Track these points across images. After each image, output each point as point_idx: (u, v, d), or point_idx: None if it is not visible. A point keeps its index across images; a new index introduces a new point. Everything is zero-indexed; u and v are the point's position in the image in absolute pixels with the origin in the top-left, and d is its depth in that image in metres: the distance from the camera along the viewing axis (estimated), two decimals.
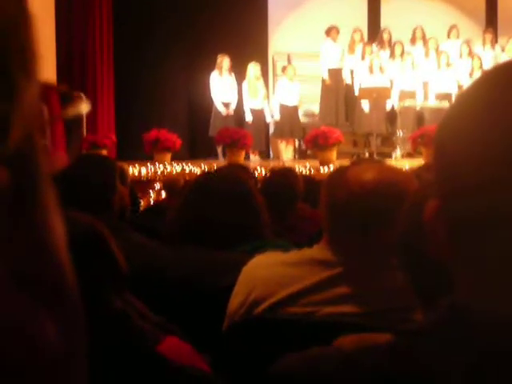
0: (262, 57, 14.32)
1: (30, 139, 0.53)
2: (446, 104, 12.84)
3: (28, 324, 0.53)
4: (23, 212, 0.54)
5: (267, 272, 2.13)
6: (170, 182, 7.37)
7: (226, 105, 13.31)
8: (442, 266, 0.84)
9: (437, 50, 13.67)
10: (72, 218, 1.63)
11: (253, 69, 13.38)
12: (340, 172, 2.12)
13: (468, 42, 13.89)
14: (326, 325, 1.84)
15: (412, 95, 13.34)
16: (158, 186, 10.56)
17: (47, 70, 12.37)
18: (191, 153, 13.75)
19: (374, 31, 14.63)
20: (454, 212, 0.79)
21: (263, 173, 9.65)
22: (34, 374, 0.53)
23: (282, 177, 5.00)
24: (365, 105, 13.29)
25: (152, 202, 9.29)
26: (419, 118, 13.35)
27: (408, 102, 13.18)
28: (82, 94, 11.56)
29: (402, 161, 12.08)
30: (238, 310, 2.14)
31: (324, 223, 2.12)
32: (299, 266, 2.08)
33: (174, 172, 11.41)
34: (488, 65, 13.03)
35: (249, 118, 13.35)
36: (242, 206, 2.81)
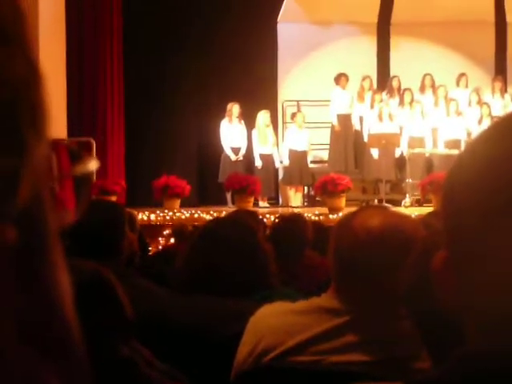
0: (271, 104, 14.40)
1: (38, 196, 0.53)
2: (455, 151, 12.86)
3: (32, 379, 0.52)
4: (30, 268, 0.54)
5: (276, 321, 2.12)
6: (178, 228, 7.39)
7: (236, 150, 13.36)
8: (450, 316, 0.84)
9: (446, 97, 13.71)
10: (77, 266, 1.63)
11: (262, 117, 13.45)
12: (346, 219, 2.12)
13: (477, 91, 13.95)
14: (334, 373, 1.83)
15: (421, 142, 13.36)
16: (167, 231, 10.57)
17: (58, 116, 12.46)
18: (200, 199, 13.77)
19: (384, 79, 14.71)
20: (462, 258, 0.79)
21: (272, 219, 9.66)
22: None
23: (291, 223, 4.98)
24: (374, 151, 13.32)
25: (161, 248, 9.29)
26: (428, 164, 13.36)
27: (417, 149, 13.20)
28: (93, 148, 11.64)
29: (411, 208, 12.06)
30: (246, 359, 2.12)
31: (331, 271, 2.12)
32: (307, 315, 2.07)
33: (184, 218, 11.43)
34: (497, 113, 13.07)
35: (258, 163, 13.38)
36: (250, 256, 2.80)
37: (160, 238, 10.42)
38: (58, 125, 12.41)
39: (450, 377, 0.81)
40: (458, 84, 14.15)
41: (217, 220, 3.02)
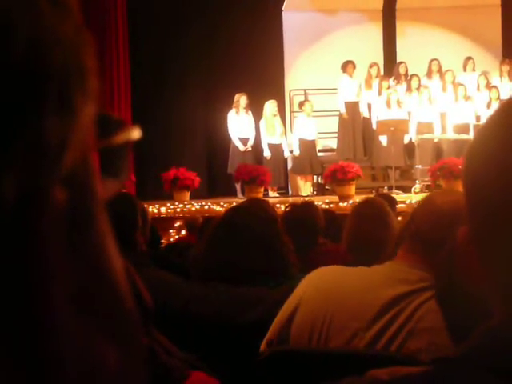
0: (278, 94, 14.39)
1: (85, 161, 0.53)
2: (464, 136, 12.84)
3: (90, 350, 0.52)
4: (80, 234, 0.54)
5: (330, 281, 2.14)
6: (191, 220, 7.40)
7: (244, 141, 13.35)
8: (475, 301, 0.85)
9: (453, 82, 13.68)
10: None
11: (269, 106, 13.44)
12: (424, 199, 2.17)
13: (485, 74, 13.91)
14: (359, 357, 1.83)
15: (430, 127, 13.33)
16: (178, 224, 10.58)
17: None
18: (210, 190, 13.78)
19: (390, 65, 14.68)
20: (484, 231, 0.81)
21: (282, 209, 9.63)
22: None
23: (303, 211, 4.96)
24: (383, 138, 13.29)
25: (172, 240, 9.31)
26: (438, 150, 13.32)
27: (426, 135, 13.17)
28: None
29: (421, 194, 12.05)
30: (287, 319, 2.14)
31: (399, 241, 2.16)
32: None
33: (194, 210, 11.44)
34: (506, 96, 13.02)
35: (267, 153, 13.37)
36: (270, 246, 2.80)
37: (171, 231, 10.43)
38: None
39: (477, 351, 0.82)
40: (464, 68, 14.11)
41: (235, 209, 3.01)
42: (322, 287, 2.12)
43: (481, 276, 0.83)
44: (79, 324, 0.52)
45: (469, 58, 14.16)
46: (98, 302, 0.54)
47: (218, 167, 13.88)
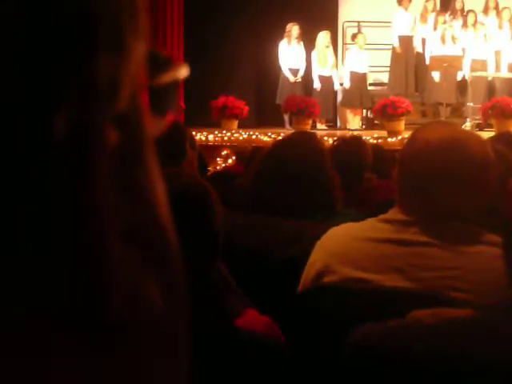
0: (331, 25, 14.20)
1: (135, 99, 0.54)
2: None
3: (134, 280, 0.54)
4: (129, 171, 0.55)
5: (344, 244, 2.12)
6: (240, 149, 7.40)
7: (294, 72, 13.25)
8: None
9: (510, 20, 13.38)
10: (186, 177, 1.63)
11: (323, 37, 13.28)
12: (413, 133, 2.13)
13: None
14: (397, 295, 1.83)
15: (483, 65, 13.10)
16: (225, 152, 10.60)
17: None
18: (258, 120, 13.76)
19: (447, 0, 14.37)
20: None
21: (330, 142, 9.58)
22: (136, 333, 0.54)
23: (351, 145, 4.94)
24: (435, 74, 13.10)
25: (219, 168, 9.34)
26: (490, 88, 13.11)
27: (479, 73, 12.95)
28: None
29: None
30: (312, 279, 2.13)
31: (396, 185, 2.12)
32: (376, 242, 2.06)
33: (241, 139, 11.44)
34: None
35: (317, 84, 13.26)
36: (315, 179, 2.79)
37: (218, 159, 10.45)
38: None
39: None
40: None
41: (283, 141, 3.00)
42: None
43: None
44: (126, 254, 0.53)
45: None
46: (145, 237, 0.56)
47: (266, 97, 13.80)
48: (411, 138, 2.07)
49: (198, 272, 1.69)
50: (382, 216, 2.11)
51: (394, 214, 2.08)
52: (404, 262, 1.96)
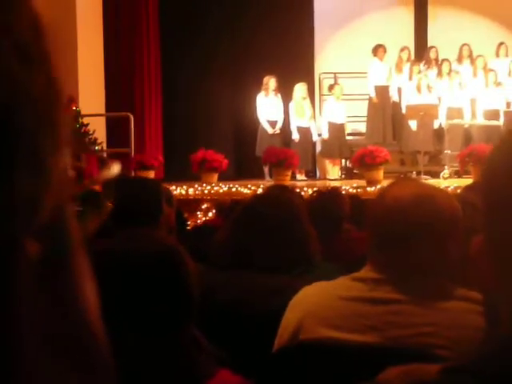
0: (308, 76, 14.35)
1: (60, 210, 0.54)
2: (494, 122, 12.73)
3: None
4: (55, 280, 0.55)
5: (318, 304, 2.11)
6: (219, 203, 7.42)
7: (273, 124, 13.34)
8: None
9: (485, 68, 13.55)
10: (156, 239, 1.63)
11: (299, 89, 13.39)
12: (381, 191, 2.14)
13: None
14: (373, 352, 1.83)
15: (460, 112, 13.24)
16: (205, 205, 10.61)
17: (96, 92, 12.53)
18: (238, 173, 13.81)
19: (421, 49, 14.57)
20: (498, 240, 0.81)
21: (309, 193, 9.64)
22: None
23: (328, 198, 4.97)
24: (412, 123, 13.22)
25: (199, 222, 9.33)
26: (467, 135, 13.23)
27: (456, 120, 13.08)
28: (131, 122, 11.73)
29: (450, 179, 11.99)
30: (288, 337, 2.13)
31: (368, 244, 2.12)
32: (350, 301, 2.06)
33: (221, 192, 11.46)
34: None
35: (295, 136, 13.35)
36: (290, 235, 2.80)
37: (198, 213, 10.46)
38: (96, 101, 12.49)
39: (484, 362, 0.82)
40: (497, 54, 13.96)
41: (259, 197, 3.01)
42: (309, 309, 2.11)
43: (492, 285, 0.83)
44: (52, 364, 0.53)
45: (501, 43, 14.01)
46: (71, 343, 0.55)
47: (246, 149, 13.87)
48: (380, 197, 2.09)
49: (169, 337, 1.68)
50: (354, 274, 2.12)
51: (366, 272, 2.08)
52: (378, 321, 1.96)
